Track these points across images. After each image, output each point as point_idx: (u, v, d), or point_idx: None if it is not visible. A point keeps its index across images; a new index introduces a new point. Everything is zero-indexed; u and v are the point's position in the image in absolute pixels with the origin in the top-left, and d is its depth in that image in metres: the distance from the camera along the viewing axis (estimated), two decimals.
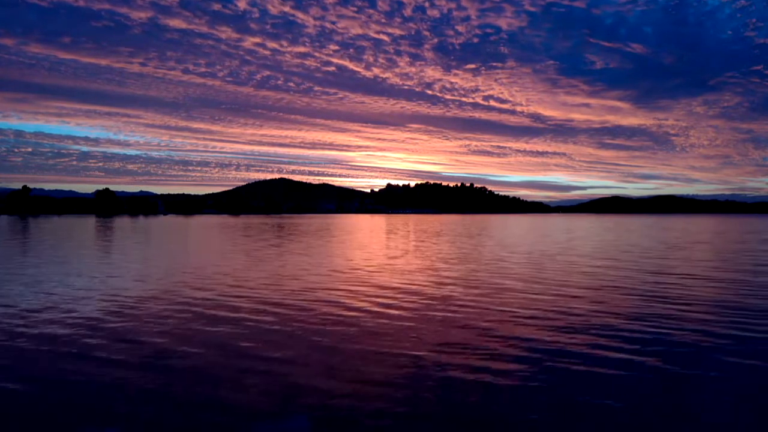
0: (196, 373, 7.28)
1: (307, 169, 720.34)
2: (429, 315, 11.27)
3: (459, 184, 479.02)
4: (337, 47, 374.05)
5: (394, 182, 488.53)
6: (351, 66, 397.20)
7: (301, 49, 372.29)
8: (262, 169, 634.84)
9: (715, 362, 7.85)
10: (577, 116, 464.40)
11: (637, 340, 9.10)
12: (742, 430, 5.57)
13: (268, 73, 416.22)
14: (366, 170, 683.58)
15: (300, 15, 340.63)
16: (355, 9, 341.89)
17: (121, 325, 10.15)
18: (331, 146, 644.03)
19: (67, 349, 8.51)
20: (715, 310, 11.83)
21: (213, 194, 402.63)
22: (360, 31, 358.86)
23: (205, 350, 8.44)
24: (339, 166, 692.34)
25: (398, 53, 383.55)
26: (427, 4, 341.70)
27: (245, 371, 7.36)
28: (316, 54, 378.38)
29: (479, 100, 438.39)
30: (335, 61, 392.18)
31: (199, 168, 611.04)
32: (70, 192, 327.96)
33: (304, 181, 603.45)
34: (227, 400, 6.29)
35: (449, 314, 11.31)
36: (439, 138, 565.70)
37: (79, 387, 6.74)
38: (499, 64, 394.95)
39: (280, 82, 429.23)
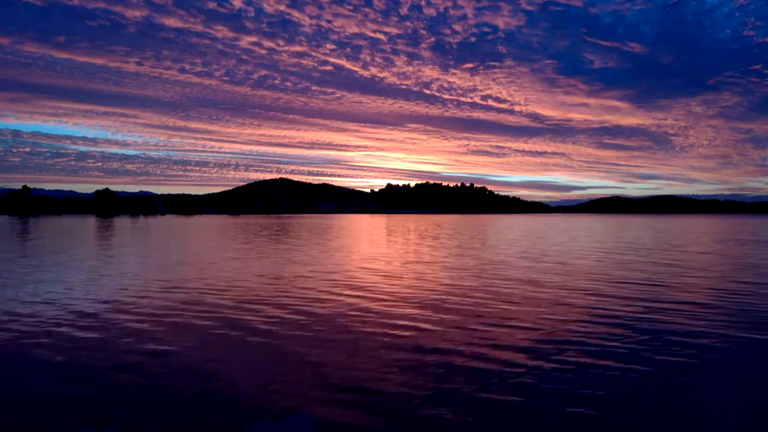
0: (194, 374, 7.53)
1: (306, 169, 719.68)
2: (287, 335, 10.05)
3: (459, 184, 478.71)
4: (333, 46, 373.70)
5: (393, 182, 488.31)
6: (348, 65, 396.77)
7: (298, 48, 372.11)
8: (261, 169, 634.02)
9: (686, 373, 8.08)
10: (576, 116, 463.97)
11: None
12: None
13: (264, 72, 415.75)
14: (365, 170, 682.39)
15: (296, 14, 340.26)
16: (351, 8, 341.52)
17: (118, 325, 10.40)
18: (329, 146, 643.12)
19: (68, 347, 8.76)
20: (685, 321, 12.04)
21: (212, 194, 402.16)
22: (356, 30, 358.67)
23: (201, 351, 8.70)
24: (338, 166, 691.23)
25: (395, 52, 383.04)
26: (423, 3, 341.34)
27: (241, 371, 7.64)
28: (313, 53, 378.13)
29: (477, 100, 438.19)
30: (332, 60, 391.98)
31: (197, 168, 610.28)
32: (70, 192, 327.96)
33: (304, 181, 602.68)
34: (226, 401, 6.56)
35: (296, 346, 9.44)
36: (438, 138, 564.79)
37: (78, 387, 6.98)
38: (497, 64, 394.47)
39: (277, 81, 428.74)
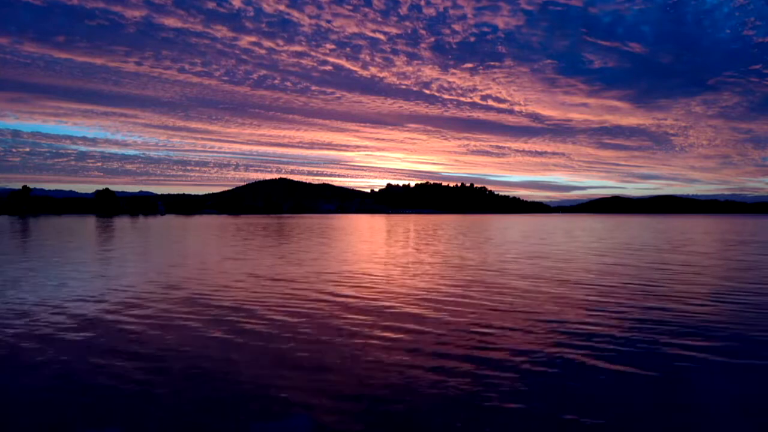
0: (193, 374, 7.57)
1: (306, 169, 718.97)
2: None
3: (459, 184, 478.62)
4: (333, 46, 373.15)
5: (393, 182, 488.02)
6: (347, 65, 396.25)
7: (297, 48, 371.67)
8: (261, 169, 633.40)
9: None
10: (576, 116, 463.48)
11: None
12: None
13: (264, 72, 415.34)
14: (365, 170, 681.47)
15: (295, 14, 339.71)
16: (351, 8, 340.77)
17: (118, 326, 10.44)
18: (329, 146, 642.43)
19: (66, 349, 8.80)
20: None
21: (212, 194, 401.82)
22: (356, 30, 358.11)
23: (198, 352, 8.74)
24: (338, 166, 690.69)
25: (395, 52, 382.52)
26: (422, 3, 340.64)
27: (241, 371, 7.67)
28: (313, 53, 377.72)
29: (477, 100, 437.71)
30: (332, 60, 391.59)
31: (197, 168, 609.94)
32: (70, 192, 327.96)
33: (304, 181, 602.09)
34: (225, 402, 6.59)
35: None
36: (438, 138, 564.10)
37: (79, 387, 7.01)
38: (497, 64, 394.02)
39: (276, 81, 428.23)
